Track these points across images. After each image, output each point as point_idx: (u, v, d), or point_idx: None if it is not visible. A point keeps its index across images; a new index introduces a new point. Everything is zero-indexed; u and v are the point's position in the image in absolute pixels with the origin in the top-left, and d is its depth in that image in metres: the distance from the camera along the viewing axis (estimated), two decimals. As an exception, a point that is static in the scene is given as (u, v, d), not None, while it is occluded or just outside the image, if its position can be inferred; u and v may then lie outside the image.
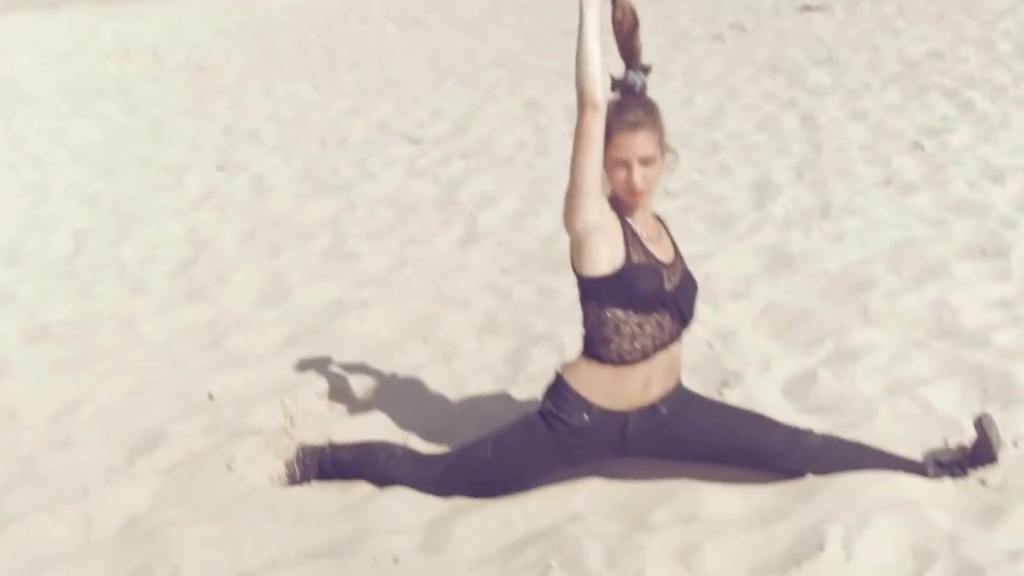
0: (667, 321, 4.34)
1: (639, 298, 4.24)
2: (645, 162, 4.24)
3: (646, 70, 4.34)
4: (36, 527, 4.49)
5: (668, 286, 4.32)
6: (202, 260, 8.03)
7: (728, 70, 13.87)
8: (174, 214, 9.23)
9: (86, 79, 15.95)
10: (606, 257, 4.22)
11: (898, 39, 14.72)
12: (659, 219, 4.54)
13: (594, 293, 4.29)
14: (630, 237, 4.26)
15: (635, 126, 4.22)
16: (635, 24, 4.28)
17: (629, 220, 4.30)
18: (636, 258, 4.24)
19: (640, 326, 4.28)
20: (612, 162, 4.22)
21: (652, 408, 4.40)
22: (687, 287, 4.43)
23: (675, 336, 4.40)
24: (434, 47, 17.19)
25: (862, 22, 16.10)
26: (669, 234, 4.53)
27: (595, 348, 4.34)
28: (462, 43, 17.41)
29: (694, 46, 15.69)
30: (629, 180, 4.23)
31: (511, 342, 6.26)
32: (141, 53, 17.47)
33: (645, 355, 4.31)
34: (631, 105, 4.27)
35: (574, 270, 4.34)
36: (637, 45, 4.32)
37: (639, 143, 4.22)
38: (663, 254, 4.37)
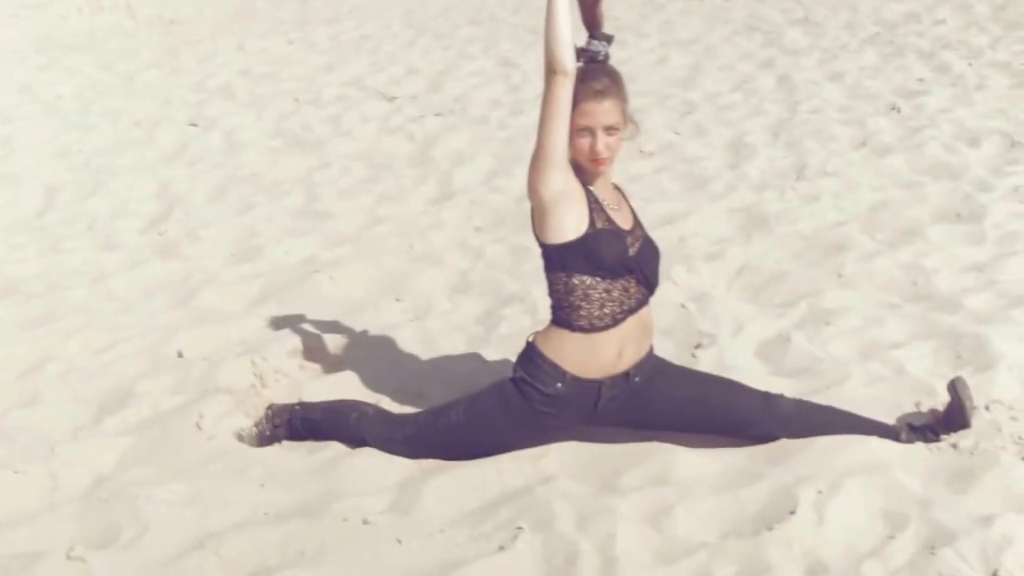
0: (633, 286, 4.34)
1: (605, 264, 4.24)
2: (609, 130, 4.27)
3: (608, 39, 4.36)
4: (2, 486, 4.44)
5: (632, 251, 4.32)
6: (174, 216, 7.97)
7: (705, 29, 13.82)
8: (146, 169, 9.16)
9: (57, 32, 15.79)
10: (572, 224, 4.23)
11: (875, 0, 14.68)
12: (618, 188, 4.55)
13: (560, 261, 4.28)
14: (593, 204, 4.27)
15: (601, 94, 4.24)
16: None
17: (591, 188, 4.29)
18: (600, 224, 4.25)
19: (608, 292, 4.28)
20: (576, 129, 4.22)
21: (625, 376, 4.39)
22: (649, 252, 4.44)
23: (643, 301, 4.40)
24: (409, 3, 17.08)
25: (840, -18, 16.06)
26: (628, 203, 4.55)
27: (566, 316, 4.32)
28: (437, 0, 17.32)
29: (670, 4, 15.63)
30: (593, 147, 4.25)
31: (484, 301, 6.24)
32: (114, 6, 17.29)
33: (615, 320, 4.30)
34: (596, 73, 4.29)
35: (538, 239, 4.34)
36: (600, 15, 4.34)
37: (604, 111, 4.24)
38: (624, 222, 4.38)
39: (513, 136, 9.57)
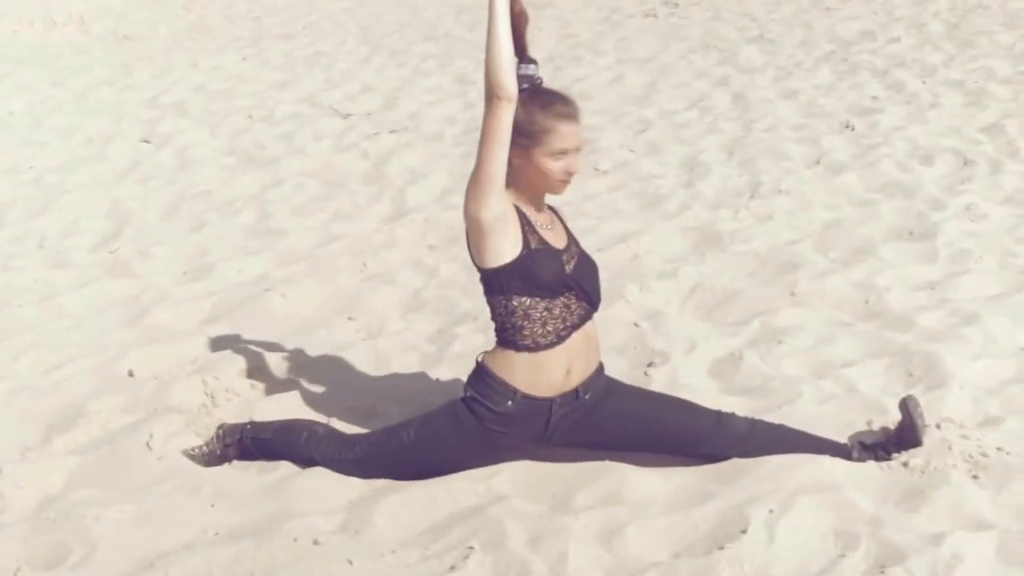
0: (574, 302, 4.35)
1: (542, 283, 4.26)
2: (578, 149, 4.32)
3: (536, 63, 4.37)
4: (-52, 507, 4.40)
5: (568, 268, 4.34)
6: (125, 234, 7.91)
7: (660, 47, 13.85)
8: (98, 187, 9.09)
9: (8, 47, 15.67)
10: (510, 247, 4.23)
11: (830, 18, 14.77)
12: (552, 208, 4.57)
13: (498, 285, 4.29)
14: (526, 225, 4.28)
15: (574, 116, 4.30)
16: (526, 20, 4.30)
17: (523, 209, 4.31)
18: (534, 244, 4.27)
19: (548, 310, 4.29)
20: (553, 152, 4.25)
21: (575, 393, 4.39)
22: (587, 267, 4.45)
23: (586, 316, 4.41)
24: (364, 20, 17.04)
25: (795, 1, 16.14)
26: (562, 221, 4.58)
27: (510, 337, 4.34)
28: (393, 16, 17.29)
29: (627, 22, 15.65)
30: (572, 166, 4.30)
31: (437, 320, 6.22)
32: (67, 21, 17.19)
33: (560, 338, 4.31)
34: (557, 96, 4.33)
35: (476, 265, 4.34)
36: (526, 41, 4.33)
37: (578, 132, 4.31)
38: (557, 240, 4.39)
39: (468, 153, 9.55)
